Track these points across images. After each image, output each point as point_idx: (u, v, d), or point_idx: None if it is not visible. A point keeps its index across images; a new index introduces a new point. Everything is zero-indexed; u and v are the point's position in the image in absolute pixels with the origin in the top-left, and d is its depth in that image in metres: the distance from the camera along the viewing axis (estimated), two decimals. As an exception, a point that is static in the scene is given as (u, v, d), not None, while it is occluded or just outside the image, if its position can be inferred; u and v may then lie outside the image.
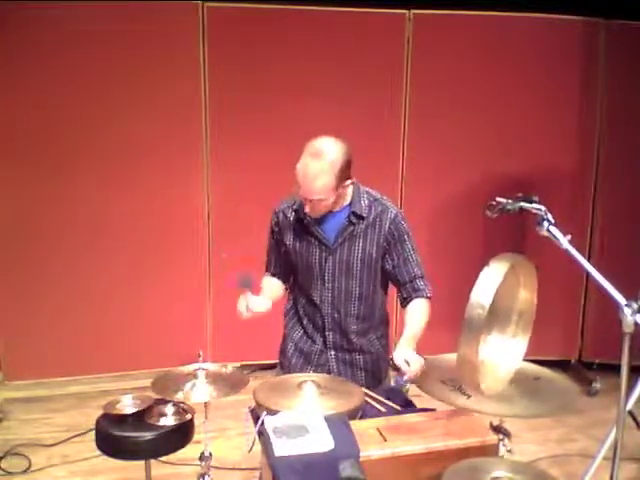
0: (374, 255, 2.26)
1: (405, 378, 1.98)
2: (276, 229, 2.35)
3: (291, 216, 2.31)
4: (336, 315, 2.30)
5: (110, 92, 3.73)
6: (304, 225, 2.27)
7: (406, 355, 2.02)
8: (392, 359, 2.07)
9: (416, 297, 2.24)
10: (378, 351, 2.39)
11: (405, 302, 2.27)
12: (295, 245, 2.30)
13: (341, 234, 2.24)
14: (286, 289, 2.44)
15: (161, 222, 3.96)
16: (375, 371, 2.39)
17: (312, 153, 2.11)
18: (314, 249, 2.27)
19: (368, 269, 2.27)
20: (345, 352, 2.34)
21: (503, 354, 1.97)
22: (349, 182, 2.17)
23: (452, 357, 2.06)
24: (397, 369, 2.02)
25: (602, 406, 3.78)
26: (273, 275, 2.43)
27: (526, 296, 1.94)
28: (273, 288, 2.39)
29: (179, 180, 3.94)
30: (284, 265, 2.40)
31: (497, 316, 1.89)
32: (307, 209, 2.17)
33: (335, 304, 2.29)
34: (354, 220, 2.23)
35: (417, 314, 2.22)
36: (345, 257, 2.25)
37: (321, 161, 2.09)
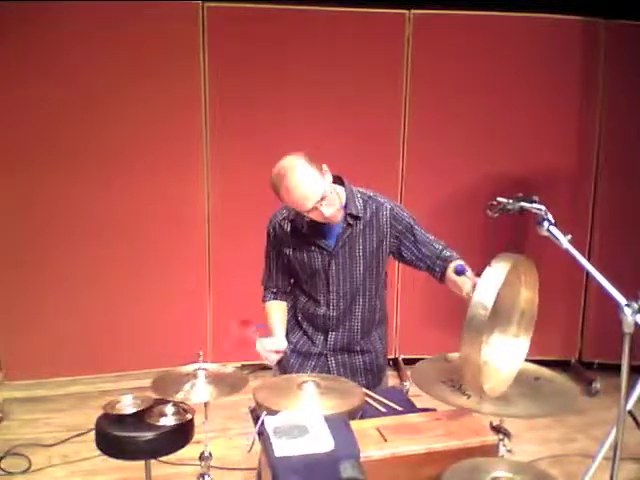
0: (375, 253, 2.26)
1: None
2: (274, 241, 2.34)
3: (287, 227, 2.30)
4: (341, 317, 2.31)
5: (110, 92, 3.73)
6: (303, 234, 2.27)
7: None
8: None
9: (450, 262, 2.18)
10: (378, 350, 2.39)
11: (442, 276, 2.20)
12: (296, 255, 2.30)
13: (340, 237, 2.24)
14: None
15: (161, 222, 3.96)
16: (374, 371, 2.39)
17: (281, 177, 2.08)
18: (316, 256, 2.27)
19: (370, 268, 2.27)
20: (345, 353, 2.34)
21: (506, 355, 1.96)
22: (324, 166, 2.13)
23: (453, 357, 2.07)
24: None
25: (602, 406, 3.78)
26: (276, 293, 2.41)
27: (527, 295, 1.94)
28: (282, 316, 2.37)
29: (179, 180, 3.94)
30: (287, 275, 2.39)
31: (499, 316, 1.89)
32: (327, 217, 2.11)
33: (340, 306, 2.29)
34: (351, 221, 2.23)
35: None
36: (348, 259, 2.25)
37: (292, 169, 2.07)
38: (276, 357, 2.24)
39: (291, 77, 3.92)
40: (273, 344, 2.23)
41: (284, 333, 2.31)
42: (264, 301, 2.43)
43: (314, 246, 2.26)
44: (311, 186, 2.07)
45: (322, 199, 2.08)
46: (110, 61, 3.71)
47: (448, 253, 2.24)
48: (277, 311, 2.39)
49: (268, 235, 2.36)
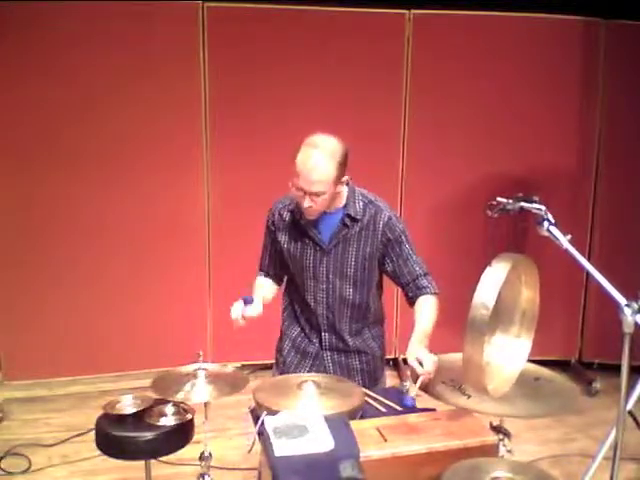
0: (368, 257, 2.25)
1: (417, 388, 1.94)
2: (272, 228, 2.35)
3: (287, 216, 2.30)
4: (330, 316, 2.30)
5: (110, 92, 3.73)
6: (299, 226, 2.27)
7: (418, 354, 1.99)
8: (405, 360, 2.02)
9: (421, 295, 2.22)
10: (374, 351, 2.38)
11: (411, 301, 2.25)
12: (290, 245, 2.30)
13: (335, 236, 2.24)
14: (279, 289, 2.45)
15: (161, 222, 3.96)
16: (371, 371, 2.38)
17: (312, 145, 2.10)
18: (309, 250, 2.27)
19: (362, 271, 2.26)
20: (341, 353, 2.34)
21: (508, 355, 1.96)
22: (345, 179, 2.16)
23: (453, 357, 2.07)
24: (411, 371, 1.99)
25: (602, 406, 3.78)
26: (267, 275, 2.44)
27: (528, 295, 1.94)
28: (265, 290, 2.38)
29: (179, 180, 3.94)
30: (278, 264, 2.40)
31: (500, 316, 1.89)
32: (305, 207, 2.13)
33: (329, 305, 2.29)
34: (348, 223, 2.23)
35: (424, 311, 2.18)
36: (339, 259, 2.25)
37: (322, 150, 2.09)
38: (242, 323, 2.18)
39: (291, 77, 3.92)
40: (249, 309, 2.18)
41: (260, 302, 2.25)
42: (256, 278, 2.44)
43: (308, 239, 2.26)
44: (315, 178, 2.07)
45: (314, 194, 2.09)
46: (110, 61, 3.71)
47: (425, 282, 2.23)
48: (260, 285, 2.39)
49: (267, 221, 2.37)
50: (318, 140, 2.11)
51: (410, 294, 2.25)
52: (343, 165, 2.11)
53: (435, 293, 2.24)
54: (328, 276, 2.27)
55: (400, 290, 2.30)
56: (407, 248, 2.25)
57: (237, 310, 2.17)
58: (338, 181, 2.12)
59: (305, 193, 2.10)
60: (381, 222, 2.23)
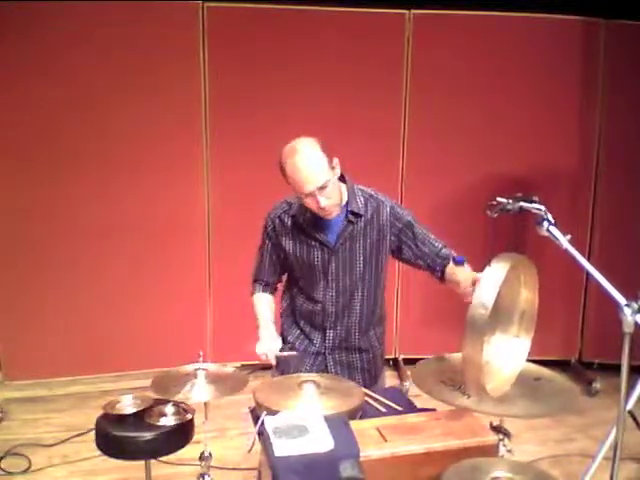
0: (376, 251, 2.26)
1: None
2: (272, 235, 2.34)
3: (288, 221, 2.30)
4: (339, 313, 2.31)
5: (110, 92, 3.73)
6: (304, 230, 2.27)
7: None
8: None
9: (448, 263, 2.19)
10: (375, 349, 2.40)
11: (441, 274, 2.22)
12: (295, 250, 2.30)
13: (341, 235, 2.24)
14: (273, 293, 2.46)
15: (161, 222, 3.96)
16: (371, 369, 2.39)
17: (291, 153, 2.10)
18: (316, 251, 2.27)
19: (370, 266, 2.27)
20: (343, 352, 2.35)
21: (507, 354, 1.96)
22: (336, 162, 2.15)
23: (453, 357, 2.07)
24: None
25: (602, 406, 3.78)
26: (265, 286, 2.43)
27: (527, 296, 1.94)
28: (271, 309, 2.39)
29: (179, 180, 3.94)
30: (278, 271, 2.40)
31: (499, 316, 1.89)
32: (323, 207, 2.11)
33: (339, 302, 2.30)
34: (352, 219, 2.23)
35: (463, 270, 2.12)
36: (348, 256, 2.26)
37: (302, 150, 2.09)
38: (272, 356, 2.21)
39: (291, 77, 3.92)
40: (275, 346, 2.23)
41: (276, 329, 2.31)
42: (252, 294, 2.44)
43: (315, 241, 2.26)
44: (316, 170, 2.08)
45: (322, 188, 2.09)
46: (110, 61, 3.71)
47: (447, 252, 2.24)
48: (267, 305, 2.39)
49: (265, 228, 2.36)
50: (291, 147, 2.12)
51: (438, 268, 2.23)
52: (325, 150, 2.12)
53: None
54: (337, 274, 2.27)
55: (427, 271, 2.27)
56: (419, 229, 2.27)
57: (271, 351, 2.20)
58: (331, 165, 2.12)
59: (315, 194, 2.09)
60: (385, 214, 2.25)
